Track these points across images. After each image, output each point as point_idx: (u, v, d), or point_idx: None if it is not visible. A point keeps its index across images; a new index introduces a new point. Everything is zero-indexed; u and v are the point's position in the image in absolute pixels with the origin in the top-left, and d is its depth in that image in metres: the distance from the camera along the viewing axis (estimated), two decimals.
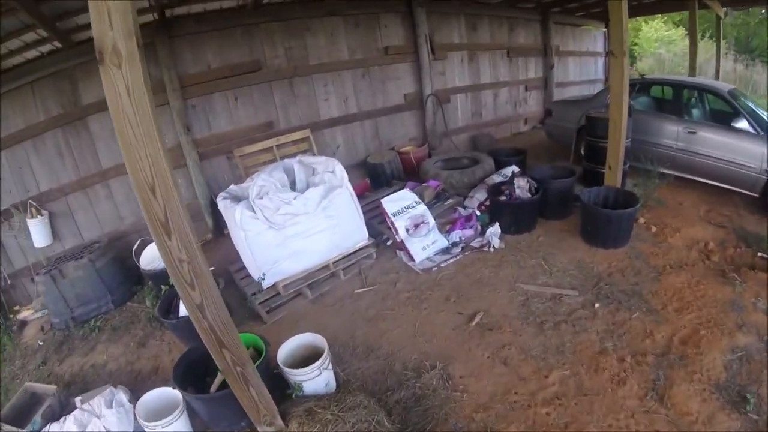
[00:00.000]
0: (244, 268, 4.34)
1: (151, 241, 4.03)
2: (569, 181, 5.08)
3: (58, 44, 4.55)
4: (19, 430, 2.97)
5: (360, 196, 5.30)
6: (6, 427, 3.01)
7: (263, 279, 4.03)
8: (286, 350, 3.04)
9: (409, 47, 7.01)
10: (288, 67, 5.99)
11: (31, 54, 4.56)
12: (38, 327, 4.52)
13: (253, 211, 3.89)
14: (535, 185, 4.99)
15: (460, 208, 5.29)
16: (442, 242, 4.72)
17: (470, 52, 7.96)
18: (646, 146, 5.61)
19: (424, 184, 5.60)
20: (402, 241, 4.61)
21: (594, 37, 11.10)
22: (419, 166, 6.44)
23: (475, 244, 4.70)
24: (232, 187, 4.49)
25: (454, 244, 4.71)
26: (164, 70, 5.09)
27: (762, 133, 4.79)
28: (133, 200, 4.87)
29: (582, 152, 6.20)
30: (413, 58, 7.08)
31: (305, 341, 3.10)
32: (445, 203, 5.35)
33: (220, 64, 5.53)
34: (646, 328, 3.35)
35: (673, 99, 5.95)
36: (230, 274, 4.49)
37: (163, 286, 4.01)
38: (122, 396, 3.03)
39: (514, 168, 5.64)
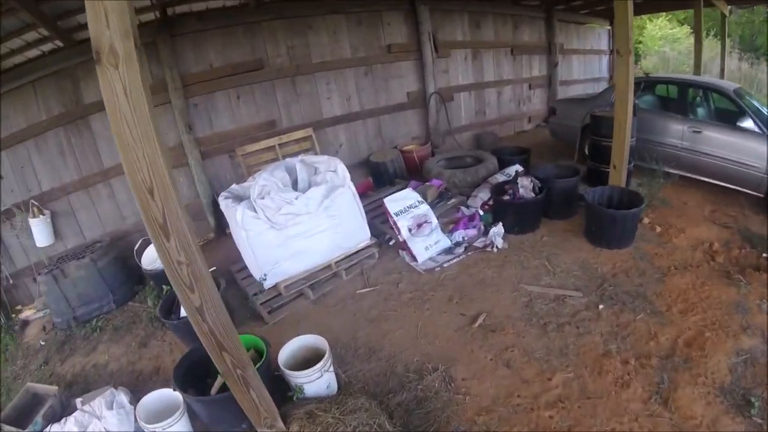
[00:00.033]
0: (245, 268, 4.33)
1: None
2: (573, 180, 5.04)
3: (59, 43, 4.54)
4: (21, 430, 2.97)
5: (362, 195, 5.28)
6: (7, 427, 3.01)
7: (265, 279, 4.01)
8: (287, 352, 3.02)
9: (412, 45, 6.97)
10: (290, 65, 5.97)
11: (33, 53, 4.57)
12: (40, 327, 4.53)
13: (255, 210, 3.87)
14: (539, 185, 4.95)
15: (463, 208, 5.26)
16: (445, 242, 4.69)
17: (474, 49, 7.91)
18: (650, 145, 5.56)
19: (427, 183, 5.57)
20: (404, 241, 4.58)
21: (598, 35, 11.03)
22: (422, 164, 6.40)
23: (478, 244, 4.68)
24: (234, 186, 4.47)
25: (457, 244, 4.68)
26: (166, 69, 5.08)
27: (767, 133, 4.74)
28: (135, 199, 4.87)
29: (586, 151, 6.15)
30: (416, 56, 7.04)
31: (307, 343, 3.09)
32: (448, 203, 5.31)
33: (223, 63, 5.52)
34: (651, 330, 3.31)
35: (678, 98, 5.89)
36: (232, 273, 4.47)
37: (164, 286, 4.00)
38: (123, 397, 3.03)
39: (518, 167, 5.60)
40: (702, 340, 3.18)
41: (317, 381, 2.80)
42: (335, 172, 4.32)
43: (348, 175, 4.38)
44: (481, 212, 5.11)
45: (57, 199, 4.98)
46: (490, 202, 5.16)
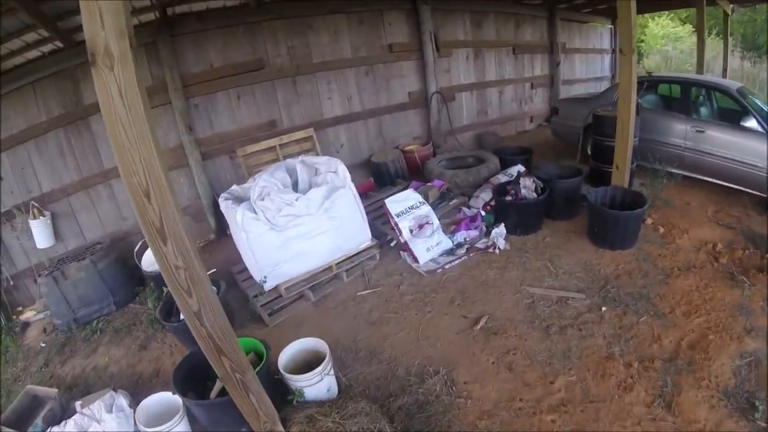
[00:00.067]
0: (246, 269, 4.30)
1: None
2: (576, 180, 5.01)
3: (59, 44, 4.52)
4: None
5: (363, 195, 5.26)
6: (7, 430, 3.00)
7: (265, 281, 3.99)
8: (287, 355, 3.00)
9: (414, 45, 6.94)
10: (291, 65, 5.95)
11: (33, 54, 4.55)
12: (41, 328, 4.52)
13: (255, 212, 3.85)
14: (541, 185, 4.92)
15: (464, 209, 5.23)
16: (447, 243, 4.67)
17: (475, 49, 7.87)
18: (653, 145, 5.53)
19: (429, 184, 5.54)
20: (406, 242, 4.56)
21: (600, 34, 10.97)
22: (423, 165, 6.38)
23: (480, 245, 4.65)
24: (234, 187, 4.45)
25: (459, 245, 4.66)
26: (166, 70, 5.06)
27: None
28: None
29: (589, 151, 6.11)
30: (418, 56, 7.01)
31: (307, 346, 3.07)
32: (450, 203, 5.29)
33: (223, 63, 5.50)
34: (654, 332, 3.29)
35: (681, 97, 5.84)
36: (232, 275, 4.45)
37: (164, 288, 3.96)
38: (122, 400, 3.01)
39: (520, 167, 5.56)
40: (706, 343, 3.15)
41: (317, 385, 2.78)
42: (336, 172, 4.30)
43: (348, 175, 4.35)
44: (483, 213, 5.08)
45: (57, 201, 4.96)
46: (492, 203, 5.13)
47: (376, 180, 6.33)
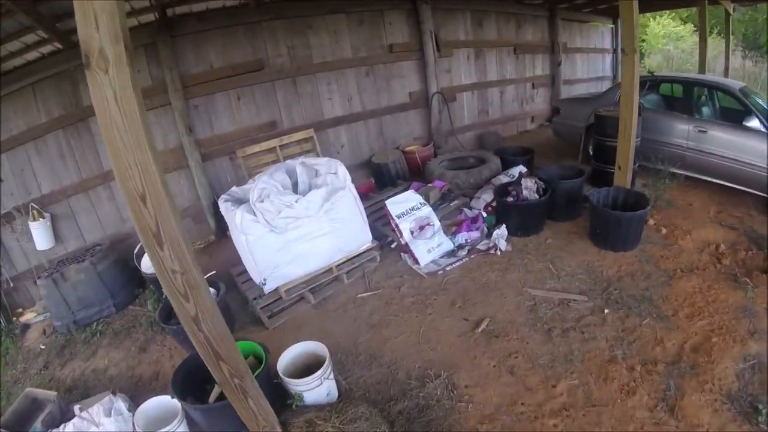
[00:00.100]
0: (246, 271, 4.28)
1: None
2: (578, 181, 4.98)
3: (58, 45, 4.50)
4: None
5: (364, 196, 5.24)
6: None
7: (264, 284, 3.97)
8: (287, 358, 2.98)
9: (414, 44, 6.91)
10: (291, 66, 5.93)
11: (32, 55, 4.53)
12: (41, 330, 4.51)
13: (254, 214, 3.83)
14: (543, 186, 4.89)
15: (466, 210, 5.21)
16: (448, 245, 4.64)
17: (476, 49, 7.84)
18: (655, 145, 5.50)
19: (430, 185, 5.52)
20: (406, 244, 4.53)
21: (601, 34, 10.93)
22: (424, 165, 6.35)
23: (481, 246, 4.62)
24: (234, 189, 4.43)
25: (460, 247, 4.63)
26: (166, 71, 5.04)
27: None
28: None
29: (590, 151, 6.09)
30: (418, 56, 6.98)
31: (307, 349, 3.05)
32: (451, 204, 5.26)
33: (223, 64, 5.48)
34: (657, 335, 3.26)
35: (684, 97, 5.82)
36: (232, 277, 4.44)
37: (164, 290, 3.96)
38: (121, 404, 2.99)
39: (522, 168, 5.54)
40: (709, 346, 3.13)
41: (317, 389, 2.76)
42: (336, 174, 4.27)
43: (349, 177, 4.33)
44: (485, 214, 5.05)
45: (57, 202, 4.95)
46: (494, 204, 5.10)
47: (377, 181, 6.30)
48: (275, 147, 5.82)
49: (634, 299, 3.64)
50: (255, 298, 3.99)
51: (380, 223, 4.99)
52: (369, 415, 2.59)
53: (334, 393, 2.93)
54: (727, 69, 9.10)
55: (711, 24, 11.25)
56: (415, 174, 6.47)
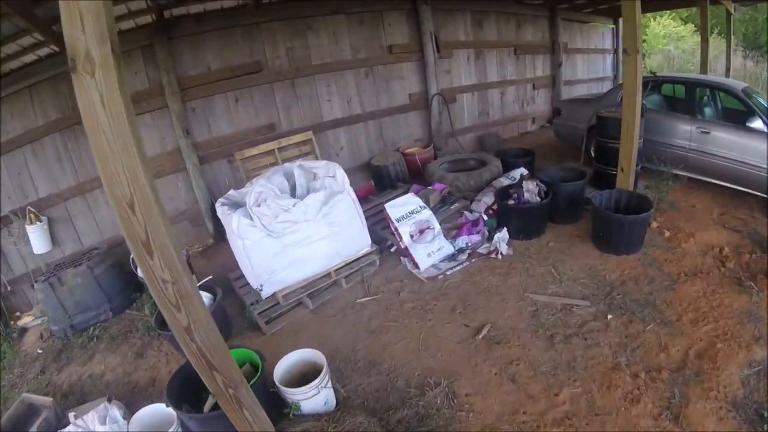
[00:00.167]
0: (243, 275, 4.24)
1: None
2: (579, 183, 4.93)
3: (55, 48, 4.45)
4: None
5: (364, 199, 5.20)
6: None
7: (261, 289, 3.93)
8: (284, 366, 2.93)
9: (414, 45, 6.87)
10: (290, 67, 5.88)
11: (29, 58, 4.50)
12: (38, 334, 4.48)
13: (251, 218, 3.78)
14: (545, 188, 4.84)
15: (466, 213, 5.15)
16: (448, 249, 4.59)
17: (476, 49, 7.80)
18: (658, 147, 5.44)
19: (430, 188, 5.47)
20: (406, 248, 4.48)
21: (602, 34, 10.88)
22: (424, 167, 6.30)
23: (482, 250, 4.57)
24: (232, 192, 4.39)
25: (461, 251, 4.58)
26: (163, 73, 5.00)
27: None
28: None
29: (592, 153, 6.04)
30: (418, 57, 6.94)
31: (304, 357, 3.00)
32: (451, 207, 5.21)
33: (221, 66, 5.44)
34: (661, 341, 3.21)
35: (686, 98, 5.76)
36: (229, 281, 4.39)
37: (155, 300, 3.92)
38: (116, 412, 2.95)
39: (523, 170, 5.49)
40: (713, 352, 3.07)
41: (314, 398, 2.71)
42: (334, 177, 4.23)
43: (347, 180, 4.28)
44: (485, 217, 5.00)
45: (54, 206, 4.92)
46: (494, 207, 5.05)
47: (377, 183, 6.26)
48: (274, 149, 5.77)
49: (638, 304, 3.59)
50: (252, 304, 3.94)
51: (379, 227, 4.94)
52: (367, 424, 2.55)
53: (332, 402, 2.88)
54: (728, 69, 9.04)
55: (711, 24, 11.20)
56: (414, 176, 6.44)
